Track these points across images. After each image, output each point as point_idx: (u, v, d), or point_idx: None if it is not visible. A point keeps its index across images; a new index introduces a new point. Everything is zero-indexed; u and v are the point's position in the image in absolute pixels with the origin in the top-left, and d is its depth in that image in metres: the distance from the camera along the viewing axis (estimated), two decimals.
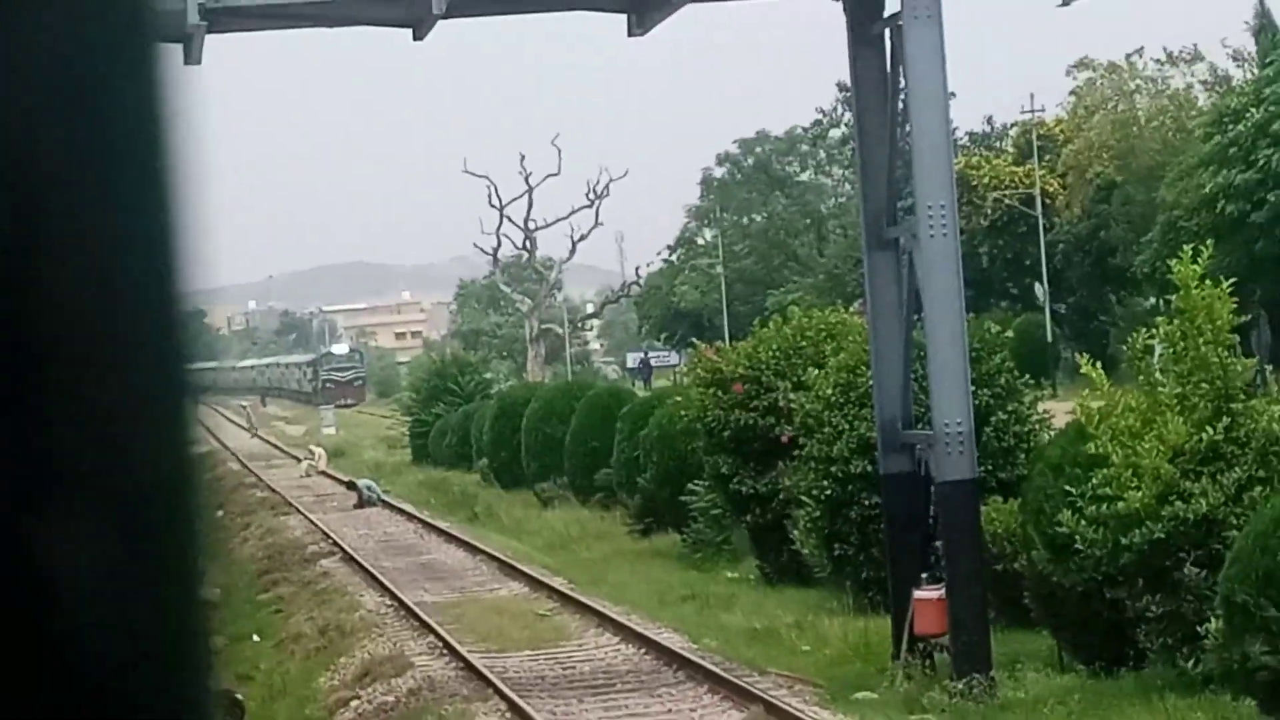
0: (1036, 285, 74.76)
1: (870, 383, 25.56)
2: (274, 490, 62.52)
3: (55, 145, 0.51)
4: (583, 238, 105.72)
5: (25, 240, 0.48)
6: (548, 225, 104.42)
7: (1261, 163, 59.62)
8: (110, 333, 0.48)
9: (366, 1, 24.24)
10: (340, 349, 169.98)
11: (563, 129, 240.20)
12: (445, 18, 24.11)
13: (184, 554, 0.52)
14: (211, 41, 23.17)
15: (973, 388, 23.83)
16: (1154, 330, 23.00)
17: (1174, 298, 22.48)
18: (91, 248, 0.51)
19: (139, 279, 0.51)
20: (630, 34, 25.64)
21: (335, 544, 44.05)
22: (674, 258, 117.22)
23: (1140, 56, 79.49)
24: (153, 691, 0.51)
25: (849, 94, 27.02)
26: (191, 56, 22.07)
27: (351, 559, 40.85)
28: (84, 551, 0.47)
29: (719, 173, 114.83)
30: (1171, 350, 22.22)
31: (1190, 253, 22.55)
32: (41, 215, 0.49)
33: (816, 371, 29.23)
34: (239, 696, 18.88)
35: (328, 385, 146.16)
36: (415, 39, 25.31)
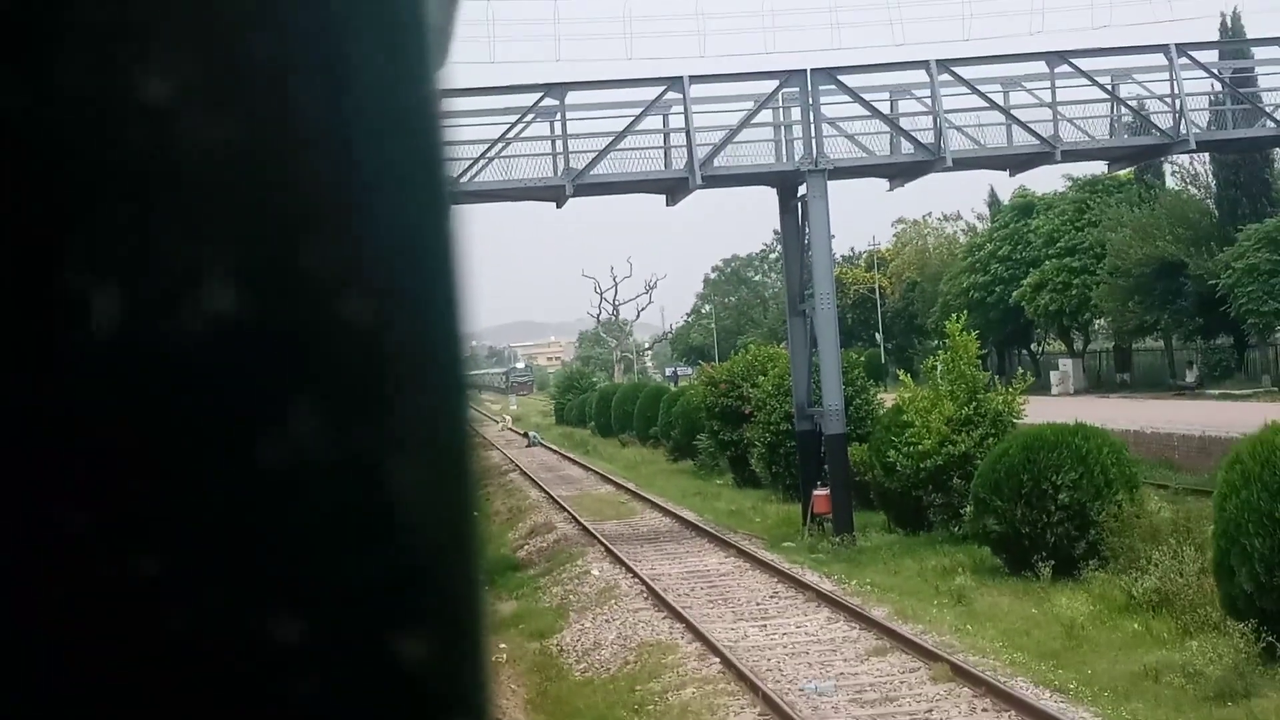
0: (876, 334, 74.42)
1: (791, 382, 25.48)
2: (483, 437, 62.48)
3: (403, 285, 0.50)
4: (643, 309, 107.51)
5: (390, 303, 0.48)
6: (625, 302, 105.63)
7: (991, 272, 59.76)
8: (432, 353, 0.47)
9: (533, 188, 24.21)
10: (520, 365, 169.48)
11: (633, 252, 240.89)
12: (573, 196, 24.18)
13: (468, 480, 0.51)
14: None
15: (843, 386, 23.73)
16: (937, 357, 22.91)
17: (947, 341, 22.37)
18: (420, 310, 0.50)
19: (444, 322, 0.51)
20: (667, 205, 25.60)
21: (515, 465, 44.07)
22: (689, 319, 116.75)
23: (929, 216, 79.10)
24: (457, 560, 0.50)
25: (779, 234, 26.95)
26: None
27: (524, 473, 40.86)
28: (416, 478, 0.46)
29: (713, 275, 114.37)
30: (946, 367, 22.12)
31: (955, 318, 22.58)
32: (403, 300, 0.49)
33: (763, 377, 29.15)
34: None
35: (514, 383, 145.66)
36: (557, 207, 25.33)
